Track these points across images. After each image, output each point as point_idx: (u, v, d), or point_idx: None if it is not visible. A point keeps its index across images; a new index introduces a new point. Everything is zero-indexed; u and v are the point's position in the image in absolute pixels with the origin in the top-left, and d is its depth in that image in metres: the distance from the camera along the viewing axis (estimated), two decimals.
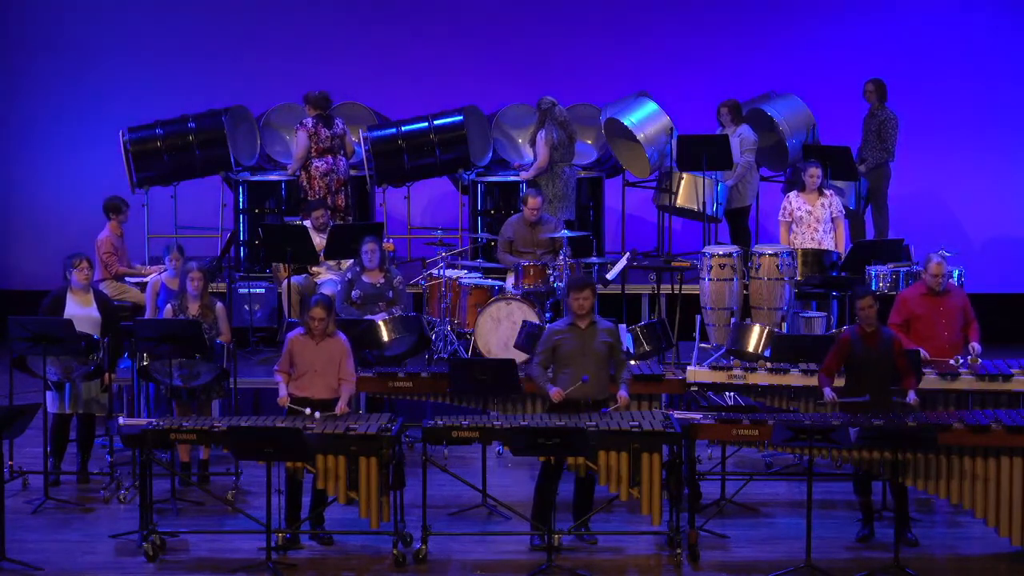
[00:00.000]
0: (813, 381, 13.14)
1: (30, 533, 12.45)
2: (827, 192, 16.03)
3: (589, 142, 18.01)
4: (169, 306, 13.72)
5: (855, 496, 12.47)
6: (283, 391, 12.45)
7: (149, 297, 14.73)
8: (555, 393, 12.09)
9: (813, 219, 15.95)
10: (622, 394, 12.22)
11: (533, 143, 16.92)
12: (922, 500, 12.82)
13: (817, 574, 11.55)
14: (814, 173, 15.92)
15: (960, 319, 13.55)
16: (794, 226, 16.01)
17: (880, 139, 17.14)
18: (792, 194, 16.11)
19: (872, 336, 12.30)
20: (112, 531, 12.44)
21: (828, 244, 15.91)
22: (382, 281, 14.72)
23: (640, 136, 17.06)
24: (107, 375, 13.49)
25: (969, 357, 13.27)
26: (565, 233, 15.79)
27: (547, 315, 15.11)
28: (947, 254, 14.14)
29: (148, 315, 14.65)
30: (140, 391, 14.19)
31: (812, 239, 15.91)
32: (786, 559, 11.85)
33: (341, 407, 12.35)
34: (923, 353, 13.13)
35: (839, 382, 12.50)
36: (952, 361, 13.23)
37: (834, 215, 15.99)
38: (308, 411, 12.26)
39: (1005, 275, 17.97)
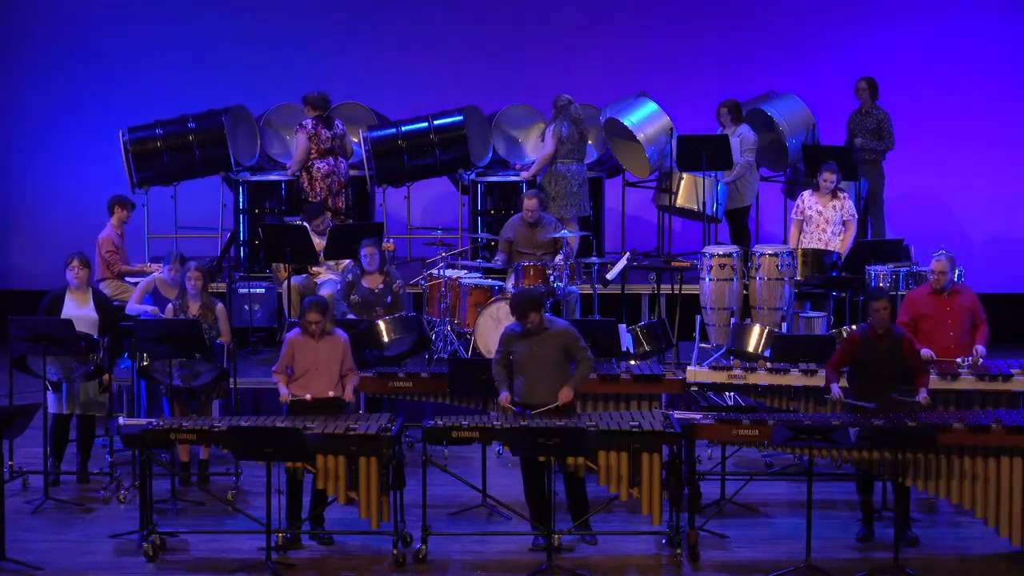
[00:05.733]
0: (813, 381, 13.14)
1: (30, 533, 12.44)
2: (841, 195, 15.96)
3: (589, 142, 17.99)
4: (170, 306, 13.72)
5: (858, 496, 12.46)
6: (284, 390, 12.47)
7: (139, 289, 14.66)
8: (502, 399, 12.17)
9: (823, 220, 15.89)
10: (564, 390, 12.07)
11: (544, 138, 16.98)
12: (923, 500, 12.81)
13: (817, 574, 11.55)
14: (828, 178, 15.82)
15: (968, 320, 13.45)
16: (804, 225, 15.97)
17: (878, 137, 17.14)
18: (806, 193, 16.03)
19: (883, 337, 12.27)
20: (112, 531, 12.44)
21: (835, 246, 15.85)
22: (381, 286, 14.70)
23: (640, 136, 17.06)
24: (106, 375, 13.49)
25: (971, 359, 13.24)
26: (565, 233, 15.80)
27: (547, 315, 15.07)
28: (947, 253, 14.11)
29: (132, 301, 14.60)
30: (138, 391, 14.21)
31: (820, 239, 15.86)
32: (786, 559, 11.84)
33: (348, 396, 12.45)
34: (928, 352, 13.09)
35: (843, 382, 12.49)
36: (959, 360, 13.21)
37: (845, 218, 15.91)
38: (309, 397, 12.34)
39: (1005, 275, 17.96)
